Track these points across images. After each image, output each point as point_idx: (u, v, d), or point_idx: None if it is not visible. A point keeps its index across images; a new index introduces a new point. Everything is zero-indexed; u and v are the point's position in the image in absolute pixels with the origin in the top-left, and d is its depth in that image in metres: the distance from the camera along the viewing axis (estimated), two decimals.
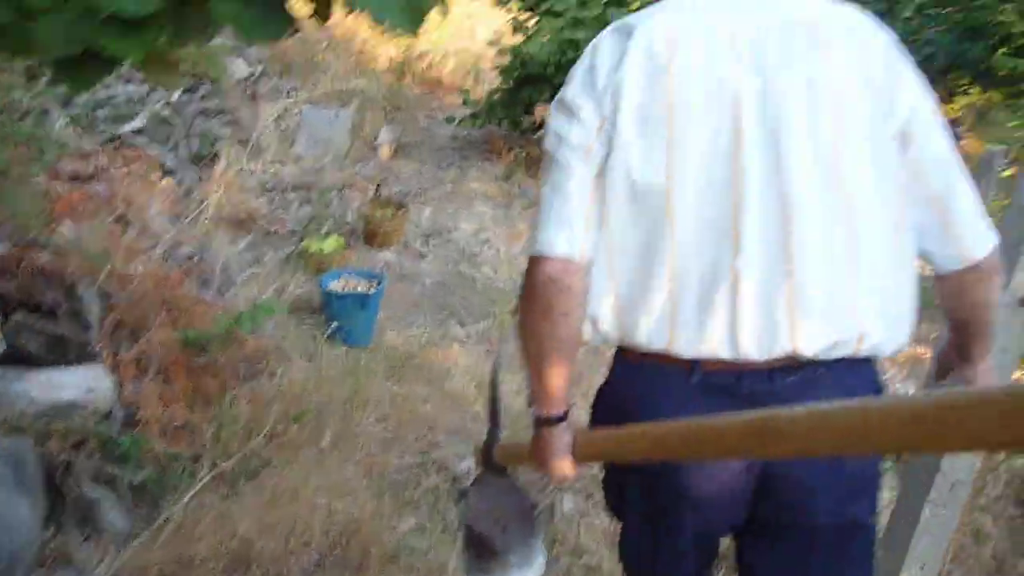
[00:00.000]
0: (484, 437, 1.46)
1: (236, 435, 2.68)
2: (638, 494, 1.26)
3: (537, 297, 1.12)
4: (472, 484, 1.55)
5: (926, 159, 1.13)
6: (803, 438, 0.78)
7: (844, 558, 1.20)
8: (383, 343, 3.64)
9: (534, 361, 1.16)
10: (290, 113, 5.79)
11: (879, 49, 1.13)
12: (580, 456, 1.19)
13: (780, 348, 1.09)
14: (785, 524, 1.20)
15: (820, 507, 1.16)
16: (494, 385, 1.46)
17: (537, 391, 1.18)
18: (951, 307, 1.22)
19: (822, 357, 1.10)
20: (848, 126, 1.08)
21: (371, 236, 4.65)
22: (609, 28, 1.18)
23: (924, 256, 1.18)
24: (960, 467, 1.62)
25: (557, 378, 1.16)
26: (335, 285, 3.63)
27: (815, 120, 1.07)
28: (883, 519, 2.15)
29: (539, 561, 1.47)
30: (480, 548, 1.47)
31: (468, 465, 2.96)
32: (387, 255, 4.57)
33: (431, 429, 3.04)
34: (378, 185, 4.84)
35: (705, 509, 1.20)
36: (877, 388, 1.18)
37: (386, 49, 7.37)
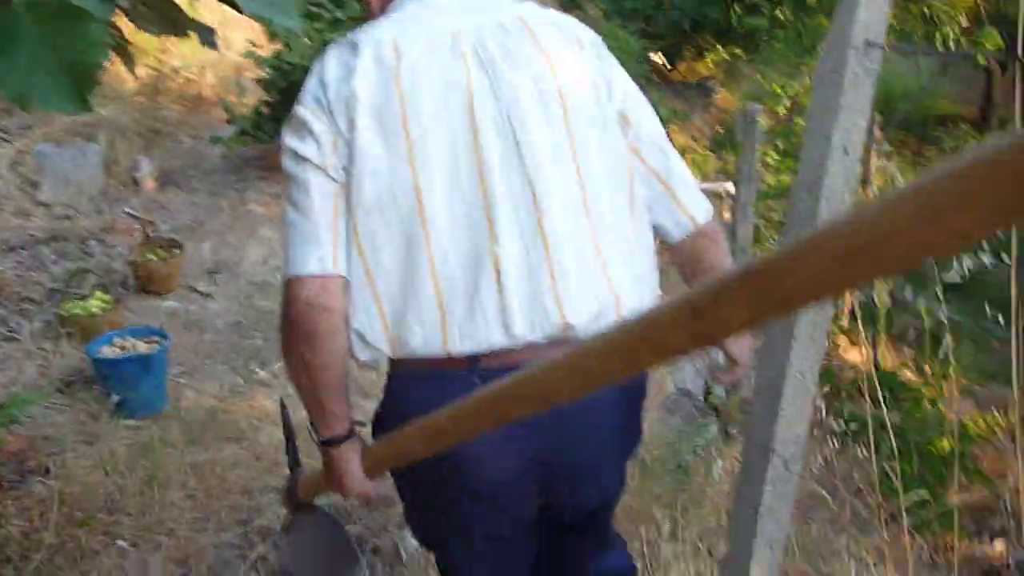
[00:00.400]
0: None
1: (9, 559, 2.25)
2: (431, 500, 1.28)
3: (298, 322, 1.11)
4: (283, 529, 1.51)
5: (643, 137, 1.26)
6: (576, 377, 0.78)
7: (608, 524, 1.42)
8: (179, 406, 3.26)
9: (307, 387, 1.15)
10: (26, 156, 5.08)
11: (588, 44, 1.26)
12: (373, 469, 1.20)
13: (551, 324, 1.13)
14: (571, 507, 1.30)
15: (601, 486, 1.29)
16: (286, 423, 1.44)
17: (316, 415, 1.18)
18: (691, 275, 1.33)
19: (592, 328, 1.14)
20: (576, 114, 1.17)
21: (146, 284, 4.17)
22: (333, 44, 1.21)
23: (658, 229, 1.30)
24: (790, 444, 1.62)
25: (334, 399, 1.16)
26: (106, 351, 3.19)
27: (546, 110, 1.15)
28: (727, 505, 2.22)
29: None
30: None
31: None
32: (168, 303, 4.11)
33: (248, 494, 2.74)
34: (145, 224, 4.34)
35: (492, 502, 1.23)
36: None
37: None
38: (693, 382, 3.96)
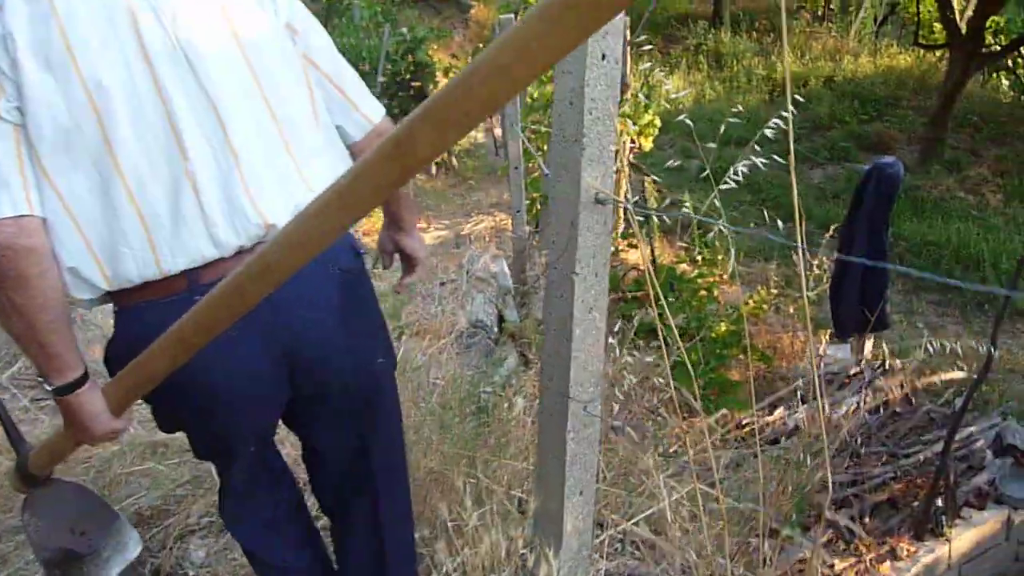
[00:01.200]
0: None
1: None
2: (180, 418, 1.32)
3: (2, 267, 1.07)
4: (24, 509, 1.41)
5: (312, 45, 1.29)
6: (291, 251, 0.91)
7: (376, 398, 1.40)
8: None
9: (28, 334, 1.11)
10: None
11: None
12: (117, 406, 1.19)
13: (254, 225, 1.16)
14: (326, 395, 1.33)
15: (349, 367, 1.31)
16: None
17: (44, 363, 1.14)
18: None
19: None
20: (243, 26, 1.19)
21: None
22: None
23: (338, 131, 1.34)
24: (588, 386, 1.49)
25: (59, 342, 1.13)
26: None
27: (211, 26, 1.16)
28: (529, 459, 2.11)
29: (133, 537, 1.45)
30: (66, 564, 1.40)
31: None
32: None
33: None
34: None
35: (231, 408, 1.25)
36: (353, 241, 1.33)
37: None
38: (485, 312, 3.84)
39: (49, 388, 1.16)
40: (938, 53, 11.49)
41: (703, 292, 4.93)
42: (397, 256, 1.56)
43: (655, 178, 5.25)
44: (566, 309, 1.39)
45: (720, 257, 5.13)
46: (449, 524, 1.65)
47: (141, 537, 2.33)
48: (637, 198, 5.08)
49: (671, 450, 2.94)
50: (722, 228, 3.91)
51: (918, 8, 11.45)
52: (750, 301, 5.41)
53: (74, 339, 1.15)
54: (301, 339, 1.24)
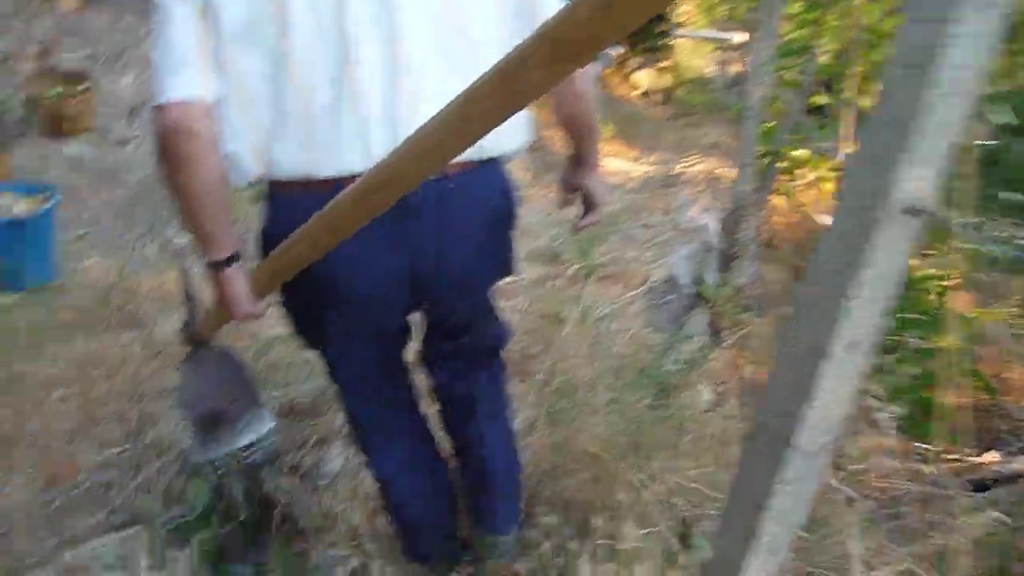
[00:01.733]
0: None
1: None
2: (310, 309, 1.33)
3: (167, 148, 1.12)
4: (183, 363, 1.50)
5: None
6: (440, 141, 0.85)
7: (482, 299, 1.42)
8: (75, 278, 2.74)
9: (187, 212, 1.17)
10: None
11: None
12: (260, 289, 1.24)
13: None
14: (445, 298, 1.33)
15: (467, 284, 1.33)
16: (182, 264, 1.45)
17: (201, 239, 1.19)
18: (557, 103, 1.34)
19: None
20: None
21: (54, 123, 3.53)
22: None
23: None
24: (821, 435, 1.14)
25: (215, 222, 1.17)
26: None
27: None
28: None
29: (267, 417, 1.56)
30: (206, 423, 1.50)
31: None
32: (72, 149, 3.49)
33: (139, 399, 2.28)
34: (44, 50, 3.63)
35: (363, 309, 1.29)
36: (506, 184, 1.31)
37: None
38: (684, 269, 3.46)
39: (204, 263, 1.23)
40: None
41: (931, 296, 4.28)
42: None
43: None
44: (819, 339, 1.03)
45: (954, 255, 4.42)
46: (596, 528, 1.42)
47: (282, 428, 2.31)
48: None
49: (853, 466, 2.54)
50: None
51: None
52: (983, 315, 4.66)
53: (229, 221, 1.19)
54: (432, 264, 1.26)
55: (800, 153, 4.86)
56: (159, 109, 1.13)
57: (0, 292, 2.58)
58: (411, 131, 1.14)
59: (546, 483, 1.89)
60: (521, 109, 0.78)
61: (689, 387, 2.30)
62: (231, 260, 1.22)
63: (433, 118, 0.83)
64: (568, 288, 3.01)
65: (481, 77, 0.73)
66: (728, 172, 5.91)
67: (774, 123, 4.16)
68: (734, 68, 9.49)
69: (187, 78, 1.11)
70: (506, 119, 0.84)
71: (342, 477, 2.14)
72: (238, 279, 1.23)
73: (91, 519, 1.92)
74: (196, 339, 1.47)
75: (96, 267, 2.82)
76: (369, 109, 1.14)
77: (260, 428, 1.54)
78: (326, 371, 1.47)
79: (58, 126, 3.50)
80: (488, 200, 1.28)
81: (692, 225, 3.76)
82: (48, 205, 2.67)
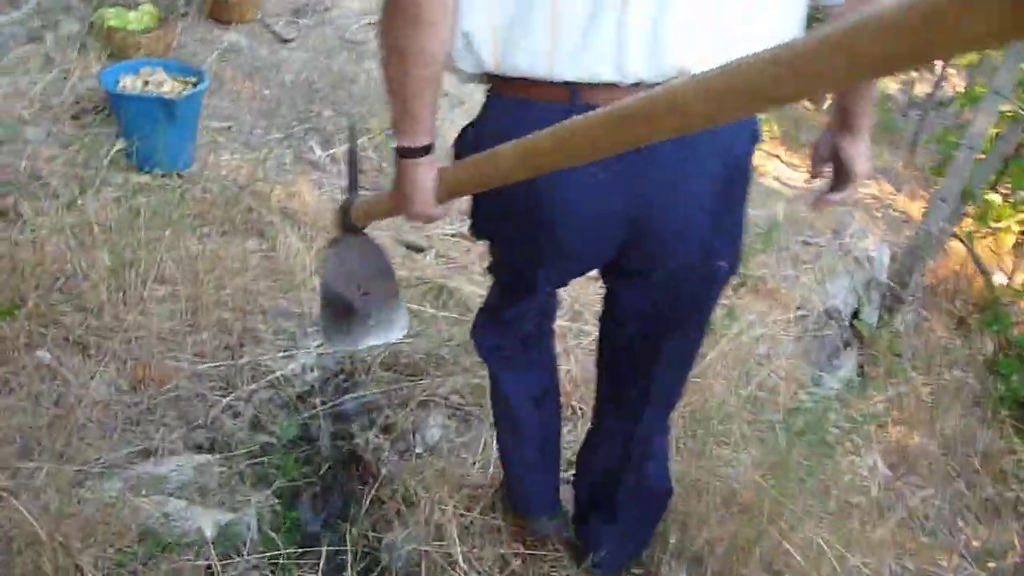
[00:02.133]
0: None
1: None
2: (510, 223, 1.21)
3: (402, 5, 1.00)
4: (330, 245, 1.45)
5: None
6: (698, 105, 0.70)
7: (701, 301, 1.28)
8: (203, 171, 2.61)
9: (397, 81, 1.07)
10: None
11: None
12: (444, 194, 1.14)
13: (668, 66, 1.03)
14: (654, 268, 1.22)
15: (688, 253, 1.18)
16: (352, 144, 1.41)
17: (401, 118, 1.09)
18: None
19: None
20: None
21: (218, 7, 3.43)
22: None
23: None
24: None
25: (422, 100, 1.07)
26: (127, 82, 2.51)
27: None
28: None
29: (401, 323, 1.49)
30: (339, 310, 1.44)
31: (297, 367, 2.10)
32: (234, 36, 3.37)
33: (244, 315, 2.12)
34: None
35: (569, 246, 1.19)
36: (756, 127, 1.17)
37: None
38: (845, 301, 3.07)
39: (394, 146, 1.13)
40: None
41: None
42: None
43: None
44: None
45: None
46: None
47: (382, 382, 2.12)
48: None
49: None
50: None
51: None
52: None
53: (435, 107, 1.10)
54: (654, 223, 1.14)
55: (992, 197, 4.32)
56: None
57: (133, 170, 2.47)
58: (674, 59, 1.02)
59: (672, 525, 1.62)
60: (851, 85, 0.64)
61: (842, 441, 1.96)
62: (426, 150, 1.11)
63: (744, 59, 0.65)
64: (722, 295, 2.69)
65: (818, 35, 0.55)
66: (900, 200, 5.36)
67: (981, 157, 3.65)
68: (919, 88, 8.71)
69: None
70: (829, 91, 0.71)
71: (438, 451, 1.93)
72: (427, 173, 1.12)
73: (171, 433, 1.78)
74: (348, 225, 1.39)
75: (230, 163, 2.69)
76: (633, 22, 1.00)
77: (390, 334, 1.48)
78: (496, 280, 1.41)
79: (221, 11, 3.38)
80: (732, 148, 1.12)
81: (862, 254, 3.34)
82: (197, 88, 2.53)
